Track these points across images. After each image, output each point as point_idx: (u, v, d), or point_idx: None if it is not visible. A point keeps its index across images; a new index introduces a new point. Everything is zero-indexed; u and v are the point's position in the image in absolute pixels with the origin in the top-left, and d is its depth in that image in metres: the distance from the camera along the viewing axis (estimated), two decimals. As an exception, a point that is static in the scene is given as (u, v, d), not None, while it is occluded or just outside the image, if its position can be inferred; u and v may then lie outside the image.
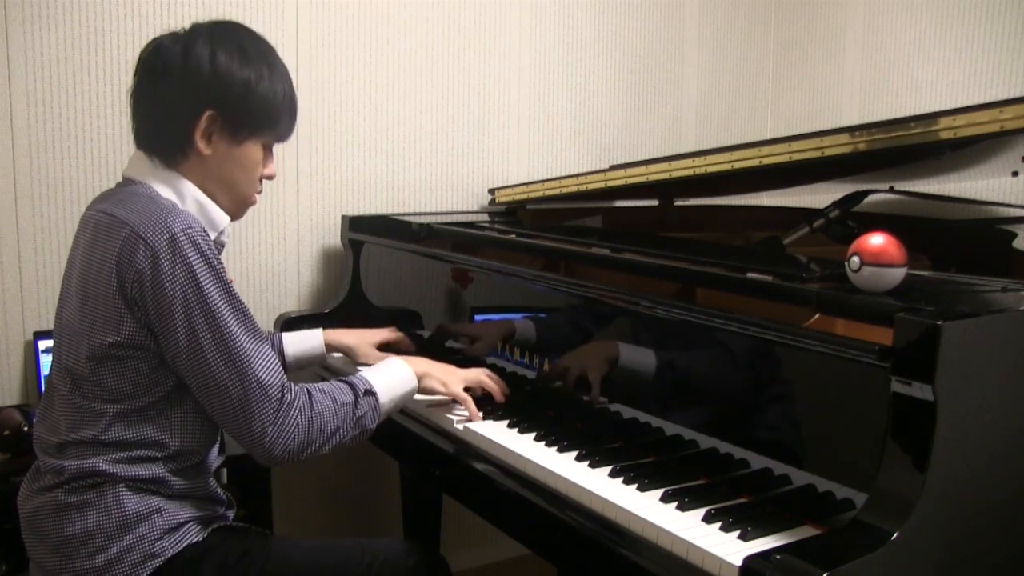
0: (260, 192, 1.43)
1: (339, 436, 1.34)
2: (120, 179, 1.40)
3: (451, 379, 1.55)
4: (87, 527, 1.26)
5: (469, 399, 1.55)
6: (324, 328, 1.85)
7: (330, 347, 1.81)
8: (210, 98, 1.30)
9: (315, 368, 1.95)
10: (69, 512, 1.27)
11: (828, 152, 1.51)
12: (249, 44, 1.35)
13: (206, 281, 1.24)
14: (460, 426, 1.52)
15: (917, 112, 1.42)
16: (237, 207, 1.41)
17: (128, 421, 1.28)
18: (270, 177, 1.43)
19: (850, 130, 1.49)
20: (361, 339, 1.85)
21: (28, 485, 1.36)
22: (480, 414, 1.55)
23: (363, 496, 2.52)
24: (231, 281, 1.30)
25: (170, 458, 1.31)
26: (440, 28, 2.44)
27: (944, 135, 1.37)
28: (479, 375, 1.60)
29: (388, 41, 2.37)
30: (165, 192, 1.33)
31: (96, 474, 1.27)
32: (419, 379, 1.50)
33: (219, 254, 1.32)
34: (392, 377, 1.46)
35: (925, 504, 0.98)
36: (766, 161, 1.62)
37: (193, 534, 1.32)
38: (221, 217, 1.37)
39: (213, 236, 1.34)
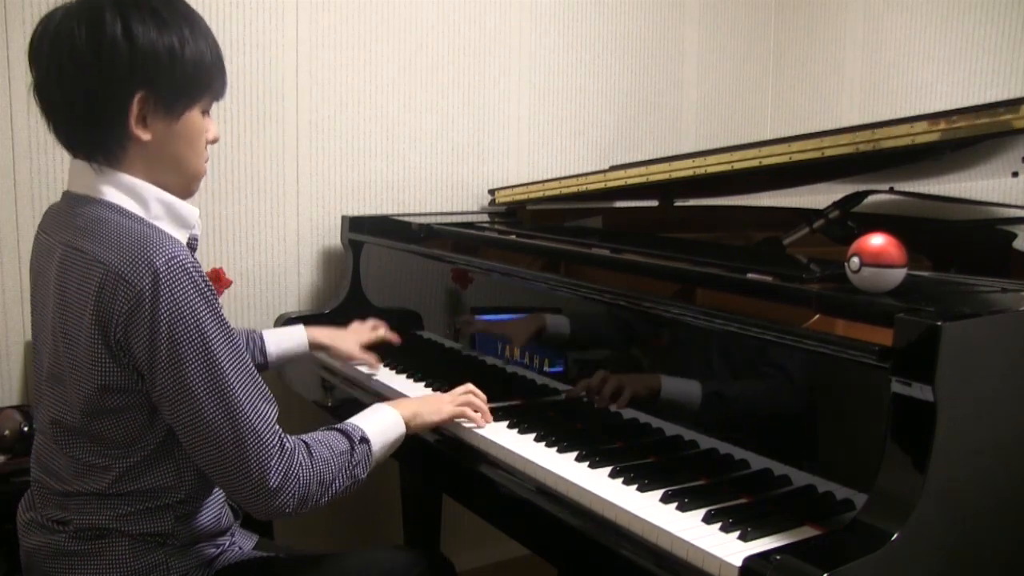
0: (207, 160, 1.30)
1: (336, 487, 1.26)
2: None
3: (442, 407, 1.50)
4: None
5: (467, 410, 1.52)
6: (312, 326, 1.81)
7: (313, 345, 1.77)
8: (136, 79, 1.15)
9: (317, 370, 1.94)
10: (71, 559, 1.23)
11: (828, 152, 1.51)
12: (161, 4, 1.18)
13: (198, 315, 1.13)
14: (460, 427, 1.52)
15: (917, 112, 1.42)
16: (188, 183, 1.27)
17: (136, 471, 1.21)
18: (213, 141, 1.29)
19: (850, 130, 1.49)
20: (345, 338, 1.82)
21: (26, 513, 1.30)
22: (489, 416, 1.53)
23: (363, 497, 2.52)
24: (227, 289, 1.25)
25: (181, 503, 1.26)
26: (440, 28, 2.44)
27: (944, 135, 1.37)
28: (466, 396, 1.54)
29: (388, 41, 2.37)
30: (124, 202, 1.20)
31: (102, 529, 1.22)
32: (408, 422, 1.43)
33: (194, 252, 1.25)
34: (383, 423, 1.39)
35: (925, 505, 0.98)
36: (766, 161, 1.61)
37: None
38: (190, 212, 1.26)
39: (187, 234, 1.26)
